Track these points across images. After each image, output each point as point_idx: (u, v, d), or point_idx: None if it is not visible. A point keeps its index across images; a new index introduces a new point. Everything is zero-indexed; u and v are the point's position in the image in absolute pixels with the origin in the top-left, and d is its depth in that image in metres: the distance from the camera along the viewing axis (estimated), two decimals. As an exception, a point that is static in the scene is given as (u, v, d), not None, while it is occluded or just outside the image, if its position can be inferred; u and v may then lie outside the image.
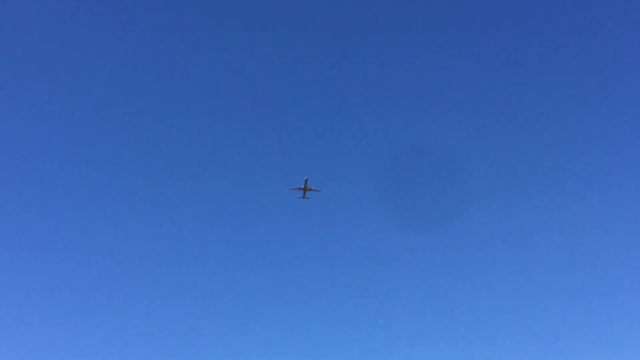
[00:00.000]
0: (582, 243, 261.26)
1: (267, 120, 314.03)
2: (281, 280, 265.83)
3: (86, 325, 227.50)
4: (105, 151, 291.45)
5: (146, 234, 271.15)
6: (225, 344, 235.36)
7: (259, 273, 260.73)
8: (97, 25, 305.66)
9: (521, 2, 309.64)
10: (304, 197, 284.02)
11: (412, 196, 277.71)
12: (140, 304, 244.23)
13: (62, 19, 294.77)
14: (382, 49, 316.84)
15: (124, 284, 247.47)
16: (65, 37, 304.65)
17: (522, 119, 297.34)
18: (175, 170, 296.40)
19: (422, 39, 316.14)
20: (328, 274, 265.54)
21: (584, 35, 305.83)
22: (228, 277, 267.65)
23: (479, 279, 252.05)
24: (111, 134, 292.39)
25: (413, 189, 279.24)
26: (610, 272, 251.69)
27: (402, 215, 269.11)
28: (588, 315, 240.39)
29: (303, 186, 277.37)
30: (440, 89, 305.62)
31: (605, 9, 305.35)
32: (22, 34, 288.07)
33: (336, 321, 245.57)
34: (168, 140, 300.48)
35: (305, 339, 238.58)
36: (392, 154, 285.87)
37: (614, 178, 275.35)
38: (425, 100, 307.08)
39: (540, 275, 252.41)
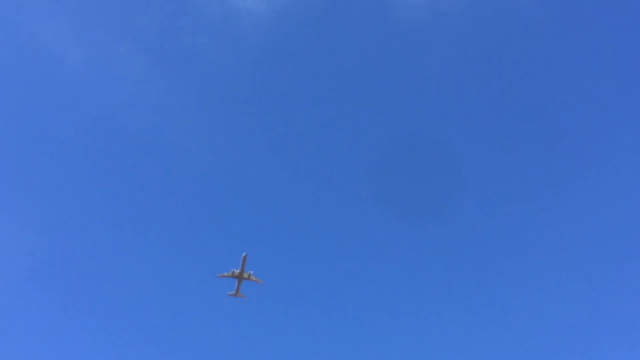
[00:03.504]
0: (577, 237, 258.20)
1: (261, 113, 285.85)
2: (280, 271, 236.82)
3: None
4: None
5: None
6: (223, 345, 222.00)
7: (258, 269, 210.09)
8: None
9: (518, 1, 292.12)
10: (236, 293, 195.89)
11: (408, 190, 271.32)
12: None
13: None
14: (378, 43, 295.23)
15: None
16: None
17: (518, 113, 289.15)
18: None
19: (418, 34, 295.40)
20: (324, 268, 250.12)
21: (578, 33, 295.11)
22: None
23: (474, 271, 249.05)
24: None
25: (409, 182, 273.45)
26: (607, 267, 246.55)
27: (398, 209, 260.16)
28: (583, 310, 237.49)
29: (238, 271, 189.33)
30: (436, 82, 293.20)
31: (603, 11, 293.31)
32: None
33: (334, 315, 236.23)
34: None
35: (300, 335, 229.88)
36: (387, 148, 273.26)
37: (610, 173, 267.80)
38: (421, 93, 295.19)
39: (536, 269, 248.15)
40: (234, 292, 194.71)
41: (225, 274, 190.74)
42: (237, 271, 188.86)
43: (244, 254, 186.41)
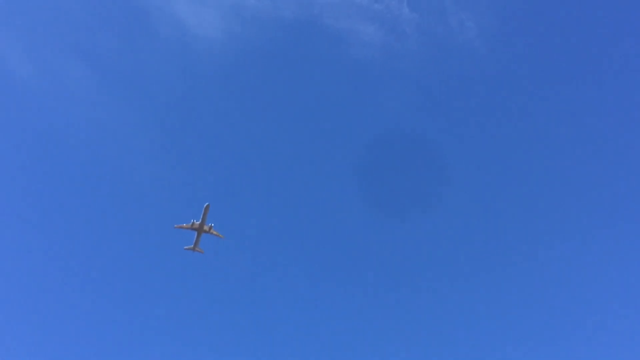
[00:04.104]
0: (563, 231, 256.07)
1: (247, 111, 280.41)
2: (265, 270, 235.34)
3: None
4: None
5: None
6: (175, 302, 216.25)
7: (240, 269, 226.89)
8: None
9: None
10: (195, 247, 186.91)
11: (391, 184, 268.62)
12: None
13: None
14: (332, 72, 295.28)
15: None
16: None
17: (502, 109, 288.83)
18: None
19: (372, 69, 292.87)
20: (308, 264, 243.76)
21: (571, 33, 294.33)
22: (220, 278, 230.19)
23: (457, 266, 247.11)
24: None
25: (392, 177, 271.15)
26: (599, 266, 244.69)
27: (381, 203, 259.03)
28: (571, 305, 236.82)
29: (199, 223, 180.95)
30: (419, 79, 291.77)
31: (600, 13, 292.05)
32: None
33: (318, 311, 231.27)
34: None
35: (286, 333, 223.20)
36: (370, 144, 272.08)
37: (597, 169, 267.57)
38: (405, 90, 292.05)
39: (523, 262, 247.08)
40: (191, 245, 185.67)
41: (184, 225, 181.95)
42: (197, 222, 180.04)
43: (206, 204, 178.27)
